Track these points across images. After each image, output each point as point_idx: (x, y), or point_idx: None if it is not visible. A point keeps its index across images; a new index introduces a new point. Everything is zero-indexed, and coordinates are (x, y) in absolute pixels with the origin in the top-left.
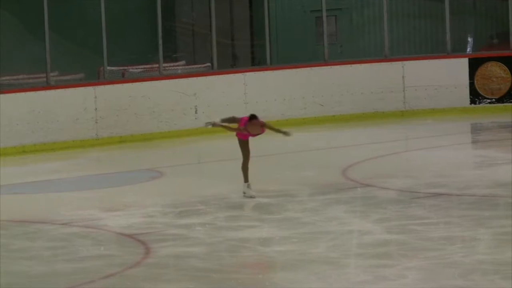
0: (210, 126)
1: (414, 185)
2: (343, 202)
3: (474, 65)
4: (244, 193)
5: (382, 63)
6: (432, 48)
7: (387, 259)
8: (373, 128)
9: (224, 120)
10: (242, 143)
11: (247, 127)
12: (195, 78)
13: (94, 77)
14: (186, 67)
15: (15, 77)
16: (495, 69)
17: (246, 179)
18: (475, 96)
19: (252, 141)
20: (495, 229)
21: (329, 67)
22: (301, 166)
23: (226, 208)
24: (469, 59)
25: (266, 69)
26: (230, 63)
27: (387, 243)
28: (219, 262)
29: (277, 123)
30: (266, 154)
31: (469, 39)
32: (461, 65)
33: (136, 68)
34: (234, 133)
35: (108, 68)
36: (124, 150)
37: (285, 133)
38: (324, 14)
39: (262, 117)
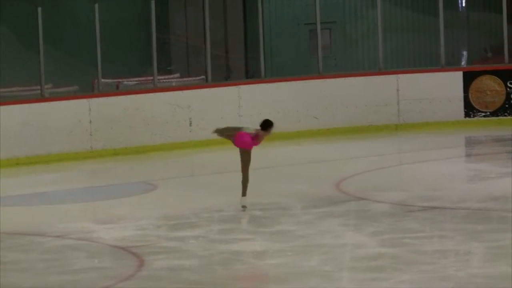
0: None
1: (407, 198)
2: (336, 215)
3: (468, 78)
4: (245, 206)
5: (376, 76)
6: (426, 61)
7: (381, 272)
8: (367, 141)
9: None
10: (246, 154)
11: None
12: (189, 91)
13: (88, 90)
14: (180, 79)
15: (9, 89)
16: (489, 82)
17: (245, 193)
18: (469, 109)
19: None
20: (488, 243)
21: (323, 80)
22: (295, 179)
23: (220, 221)
24: (463, 72)
25: (260, 82)
26: (224, 75)
27: (381, 256)
28: (212, 275)
29: (272, 136)
30: (260, 167)
31: (464, 53)
32: (455, 78)
33: (131, 81)
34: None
35: (103, 80)
36: (118, 163)
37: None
38: (318, 27)
39: (254, 129)
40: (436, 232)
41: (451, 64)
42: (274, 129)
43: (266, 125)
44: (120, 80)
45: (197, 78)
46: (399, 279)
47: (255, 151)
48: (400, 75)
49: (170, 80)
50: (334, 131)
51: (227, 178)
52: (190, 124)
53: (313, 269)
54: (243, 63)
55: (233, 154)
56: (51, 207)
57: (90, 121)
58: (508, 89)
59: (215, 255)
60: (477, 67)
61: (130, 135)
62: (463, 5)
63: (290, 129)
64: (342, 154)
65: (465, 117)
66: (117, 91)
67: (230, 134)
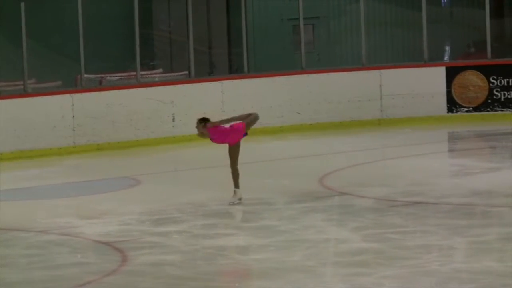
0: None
1: (391, 193)
2: (320, 210)
3: (451, 73)
4: (239, 199)
5: (360, 72)
6: (409, 56)
7: (364, 267)
8: (351, 137)
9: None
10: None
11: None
12: (172, 86)
13: (71, 85)
14: (164, 75)
15: None
16: (472, 78)
17: (238, 185)
18: (452, 105)
19: (225, 149)
20: (471, 237)
21: (306, 75)
22: (278, 174)
23: (203, 216)
24: (446, 67)
25: (244, 77)
26: (208, 71)
27: (364, 251)
28: (195, 270)
29: (255, 130)
30: (243, 162)
31: (446, 48)
32: (438, 73)
33: (114, 76)
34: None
35: (86, 75)
36: (101, 158)
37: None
38: (302, 22)
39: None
40: (420, 227)
41: (434, 60)
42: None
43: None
44: (103, 75)
45: (180, 73)
46: (383, 274)
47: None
48: (383, 71)
49: (153, 75)
50: (318, 126)
51: (210, 173)
52: (173, 120)
53: (296, 264)
54: (226, 58)
55: (216, 149)
56: (35, 202)
57: (73, 117)
58: (491, 85)
59: (199, 250)
60: (460, 62)
61: (113, 130)
62: (446, 0)
63: (274, 124)
64: (326, 149)
65: (448, 112)
66: (100, 86)
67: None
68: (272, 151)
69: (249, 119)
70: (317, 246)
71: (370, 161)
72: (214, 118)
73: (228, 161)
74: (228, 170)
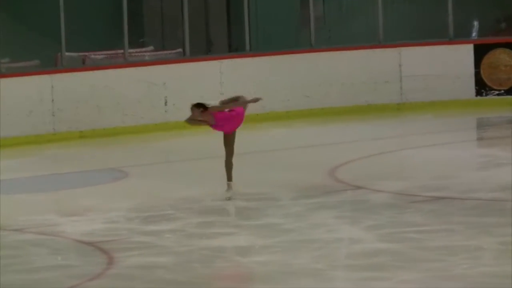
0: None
1: (410, 187)
2: (330, 206)
3: (480, 52)
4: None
5: (376, 50)
6: (432, 33)
7: (380, 271)
8: (365, 123)
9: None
10: (226, 138)
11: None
12: (164, 66)
13: (51, 65)
14: (155, 53)
15: None
16: (504, 57)
17: (230, 178)
18: (480, 87)
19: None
20: (501, 237)
21: (316, 54)
22: (283, 166)
23: (199, 213)
24: (474, 45)
25: (245, 56)
26: (204, 49)
27: (380, 253)
28: (190, 273)
29: (257, 117)
30: (244, 152)
31: (474, 23)
32: (465, 52)
33: (98, 55)
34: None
35: (67, 54)
36: (85, 147)
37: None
38: None
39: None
40: (443, 225)
41: (460, 36)
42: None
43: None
44: (86, 54)
45: (174, 51)
46: (401, 278)
47: (238, 135)
48: (403, 48)
49: (143, 54)
50: (328, 112)
51: (207, 164)
52: (166, 104)
53: (304, 267)
54: (225, 35)
55: (215, 138)
56: (9, 197)
57: (53, 100)
58: None
59: (194, 252)
60: (490, 39)
61: (98, 116)
62: None
63: (279, 109)
64: (337, 138)
65: (476, 96)
66: (83, 66)
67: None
68: (276, 140)
69: (244, 104)
70: (327, 246)
71: (388, 151)
72: (211, 102)
73: (223, 152)
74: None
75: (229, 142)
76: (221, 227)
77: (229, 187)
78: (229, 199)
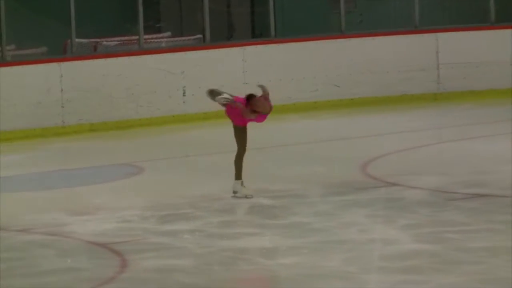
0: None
1: (449, 184)
2: (362, 204)
3: None
4: (235, 192)
5: (411, 36)
6: (472, 17)
7: (417, 274)
8: (400, 115)
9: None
10: (241, 130)
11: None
12: (182, 53)
13: (59, 52)
14: (172, 39)
15: None
16: None
17: (239, 176)
18: None
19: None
20: None
21: (346, 39)
22: (311, 161)
23: (220, 212)
24: None
25: (270, 42)
26: (226, 34)
27: (417, 254)
28: (210, 277)
29: (283, 108)
30: (267, 146)
31: None
32: (508, 38)
33: (111, 41)
34: (229, 119)
35: (77, 40)
36: (96, 141)
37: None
38: None
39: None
40: (484, 225)
41: (502, 21)
42: (261, 106)
43: (248, 99)
44: (98, 40)
45: (193, 37)
46: (439, 282)
47: (262, 127)
48: (440, 34)
49: (159, 40)
50: (360, 102)
51: (229, 159)
52: (184, 94)
53: (334, 270)
54: (248, 19)
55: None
56: (14, 195)
57: (62, 90)
58: None
59: (215, 254)
60: None
61: (110, 107)
62: None
63: (306, 99)
64: (369, 130)
65: None
66: (95, 53)
67: (226, 100)
68: (303, 133)
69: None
70: (359, 248)
71: (424, 144)
72: (234, 92)
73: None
74: (248, 155)
75: (244, 136)
76: (244, 227)
77: (235, 186)
78: (250, 196)
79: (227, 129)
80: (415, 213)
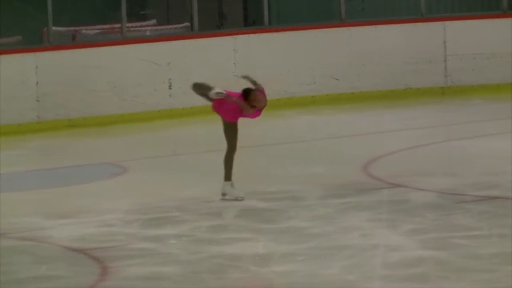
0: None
1: (458, 185)
2: (364, 207)
3: None
4: (224, 194)
5: (417, 24)
6: (483, 4)
7: (423, 283)
8: (404, 110)
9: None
10: (231, 127)
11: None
12: (169, 43)
13: (35, 41)
14: (158, 27)
15: None
16: None
17: (228, 177)
18: None
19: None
20: None
21: (346, 28)
22: (308, 160)
23: (210, 215)
24: None
25: (263, 31)
26: (216, 23)
27: (423, 261)
28: (199, 286)
29: (278, 102)
30: (261, 144)
31: None
32: None
33: (91, 29)
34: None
35: (54, 28)
36: (75, 138)
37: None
38: None
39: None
40: (496, 229)
41: None
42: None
43: (245, 93)
44: (77, 28)
45: (180, 26)
46: None
47: (255, 124)
48: (448, 23)
49: (143, 28)
50: (361, 97)
51: (220, 158)
52: (170, 87)
53: (333, 278)
54: (240, 6)
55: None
56: None
57: (37, 83)
58: None
59: (204, 260)
60: None
61: (91, 101)
62: None
63: (303, 93)
64: (371, 127)
65: None
66: (74, 43)
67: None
68: (300, 129)
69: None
70: (360, 254)
71: (431, 142)
72: (225, 84)
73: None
74: (240, 153)
75: (230, 133)
76: (236, 232)
77: (225, 187)
78: (241, 198)
79: (217, 125)
80: (421, 217)
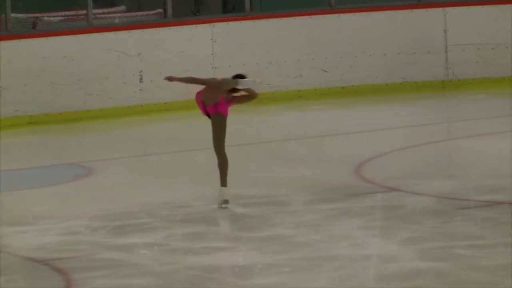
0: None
1: (459, 189)
2: (356, 213)
3: None
4: (226, 202)
5: (415, 11)
6: None
7: None
8: (401, 106)
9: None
10: (223, 121)
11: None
12: (140, 31)
13: None
14: (128, 14)
15: None
16: None
17: (225, 182)
18: None
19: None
20: None
21: (336, 15)
22: (294, 161)
23: (185, 222)
24: None
25: (244, 18)
26: (192, 9)
27: (421, 273)
28: None
29: (261, 96)
30: (242, 143)
31: None
32: None
33: (54, 16)
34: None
35: (13, 15)
36: (36, 136)
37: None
38: None
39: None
40: (501, 238)
41: None
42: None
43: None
44: (38, 15)
45: (152, 12)
46: None
47: (235, 121)
48: (449, 9)
49: (112, 15)
50: (353, 91)
51: (195, 158)
52: (141, 80)
53: None
54: None
55: (204, 123)
56: None
57: None
58: None
59: (179, 272)
60: None
61: (54, 95)
62: None
63: (288, 87)
64: (364, 125)
65: None
66: (34, 31)
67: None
68: (286, 127)
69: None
70: (351, 265)
71: (430, 141)
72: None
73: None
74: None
75: (222, 128)
76: (214, 240)
77: (220, 193)
78: (225, 206)
79: (192, 122)
80: (418, 224)
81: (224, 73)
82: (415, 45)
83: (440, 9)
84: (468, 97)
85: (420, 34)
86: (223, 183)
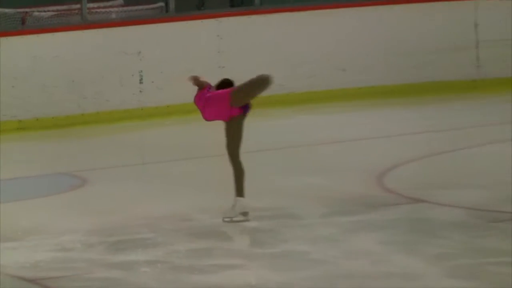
0: None
1: (490, 200)
2: (377, 227)
3: None
4: (246, 214)
5: (441, 3)
6: None
7: None
8: (425, 108)
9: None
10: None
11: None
12: (139, 27)
13: None
14: (126, 9)
15: None
16: None
17: (241, 192)
18: None
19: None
20: None
21: (354, 9)
22: (309, 170)
23: (189, 237)
24: None
25: (254, 13)
26: (196, 2)
27: None
28: None
29: (271, 99)
30: (251, 150)
31: None
32: None
33: (45, 11)
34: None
35: (1, 10)
36: (26, 143)
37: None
38: None
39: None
40: None
41: None
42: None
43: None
44: (27, 10)
45: (152, 6)
46: None
47: (245, 125)
48: (481, 1)
49: (108, 10)
50: (371, 92)
51: (199, 166)
52: (141, 81)
53: None
54: None
55: (208, 129)
56: None
57: None
58: None
59: None
60: None
61: (46, 99)
62: None
63: (301, 89)
64: (385, 129)
65: None
66: (23, 27)
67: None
68: (298, 132)
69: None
70: (372, 285)
71: (457, 148)
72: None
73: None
74: (223, 162)
75: (233, 134)
76: (221, 257)
77: (236, 204)
78: (230, 220)
79: (196, 127)
80: (446, 238)
81: (230, 71)
82: (441, 41)
83: (471, 2)
84: (499, 98)
85: (448, 29)
86: (240, 193)
